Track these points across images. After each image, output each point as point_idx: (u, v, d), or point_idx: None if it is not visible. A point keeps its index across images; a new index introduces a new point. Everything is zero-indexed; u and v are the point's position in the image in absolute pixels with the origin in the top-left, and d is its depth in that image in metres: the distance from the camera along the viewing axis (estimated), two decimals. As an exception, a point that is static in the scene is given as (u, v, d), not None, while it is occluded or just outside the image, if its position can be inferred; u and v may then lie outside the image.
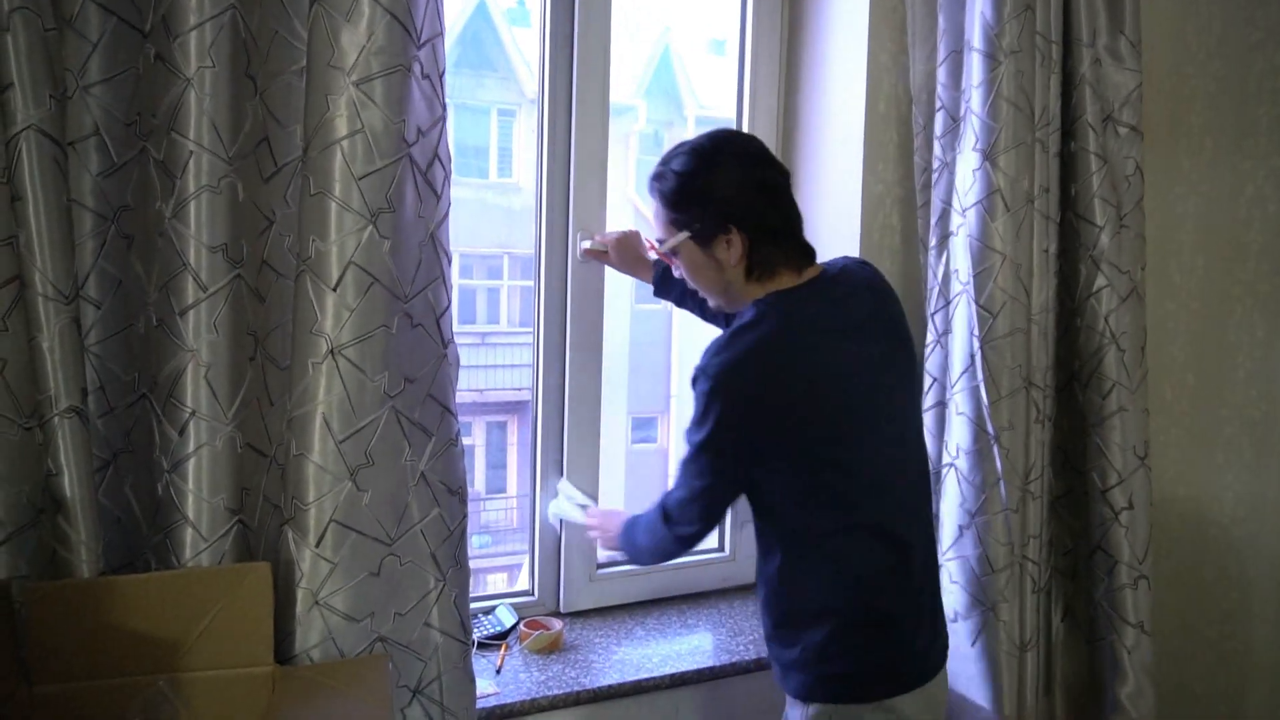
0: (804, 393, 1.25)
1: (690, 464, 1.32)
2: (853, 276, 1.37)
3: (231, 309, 1.16)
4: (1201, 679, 2.05)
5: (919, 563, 1.36)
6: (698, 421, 1.28)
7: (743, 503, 1.37)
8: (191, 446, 1.14)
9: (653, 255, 1.63)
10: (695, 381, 1.28)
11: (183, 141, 1.11)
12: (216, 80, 1.12)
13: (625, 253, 1.74)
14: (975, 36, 1.63)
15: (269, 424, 1.22)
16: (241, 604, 1.14)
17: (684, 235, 1.31)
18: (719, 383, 1.25)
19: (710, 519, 1.37)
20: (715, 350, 1.28)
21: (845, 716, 1.31)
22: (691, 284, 1.40)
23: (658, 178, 1.33)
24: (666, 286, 1.72)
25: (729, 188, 1.29)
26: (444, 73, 1.28)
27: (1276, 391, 1.94)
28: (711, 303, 1.42)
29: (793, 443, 1.27)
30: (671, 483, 1.38)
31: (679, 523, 1.37)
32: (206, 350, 1.14)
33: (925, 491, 1.43)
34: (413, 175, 1.24)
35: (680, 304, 1.73)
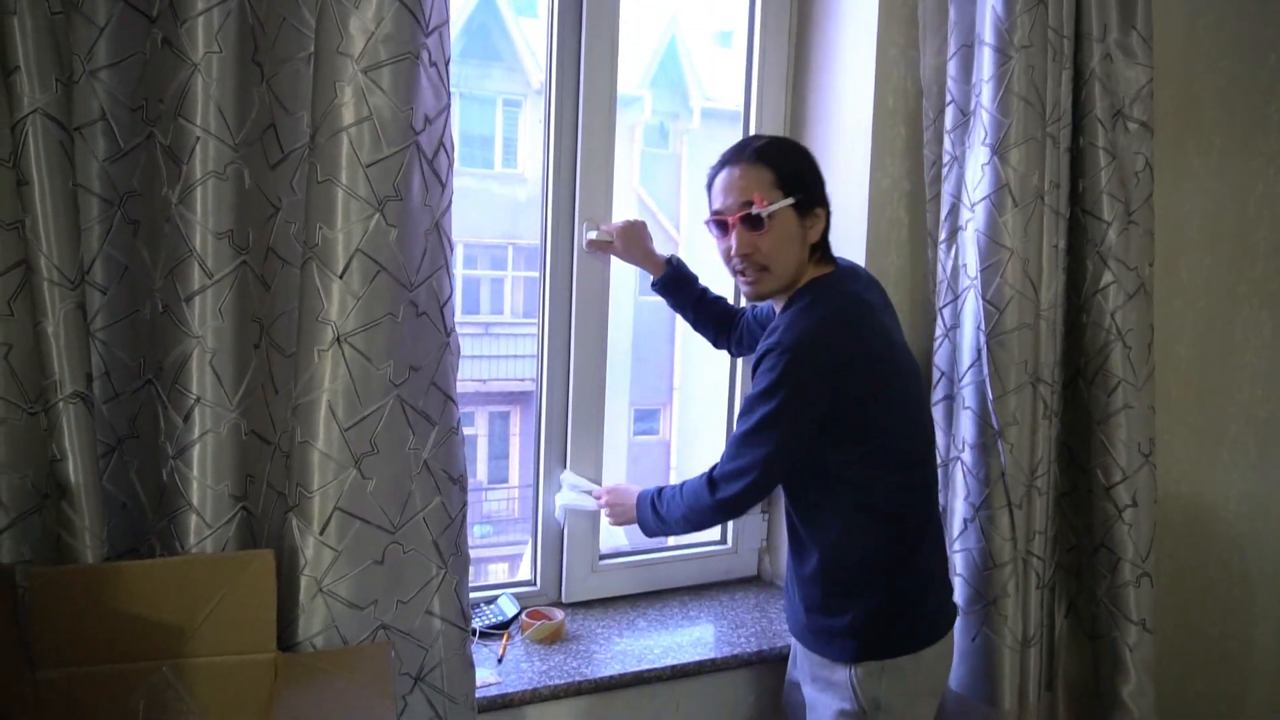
0: (873, 359, 1.36)
1: (752, 434, 1.36)
2: (859, 270, 1.51)
3: (237, 296, 1.16)
4: (1203, 677, 2.05)
5: (938, 516, 1.52)
6: (768, 392, 1.33)
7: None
8: (196, 433, 1.14)
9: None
10: (765, 356, 1.35)
11: (189, 127, 1.10)
12: (224, 66, 1.11)
13: (630, 242, 1.75)
14: (986, 30, 1.62)
15: (273, 411, 1.22)
16: (245, 591, 1.14)
17: (789, 200, 1.37)
18: (798, 354, 1.32)
19: (760, 490, 1.40)
20: (787, 327, 1.35)
21: (892, 670, 1.39)
22: (769, 259, 1.38)
23: (770, 144, 1.42)
24: (673, 287, 1.77)
25: (814, 166, 1.44)
26: (449, 60, 1.28)
27: (1282, 391, 1.94)
28: (766, 284, 1.41)
29: (864, 408, 1.34)
30: (721, 455, 1.43)
31: (727, 489, 1.41)
32: (212, 337, 1.14)
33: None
34: (419, 163, 1.24)
35: (679, 306, 1.78)
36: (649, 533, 1.58)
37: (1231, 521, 2.02)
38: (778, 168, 1.38)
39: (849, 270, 1.47)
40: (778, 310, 1.46)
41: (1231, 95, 1.97)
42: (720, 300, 1.81)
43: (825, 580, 1.42)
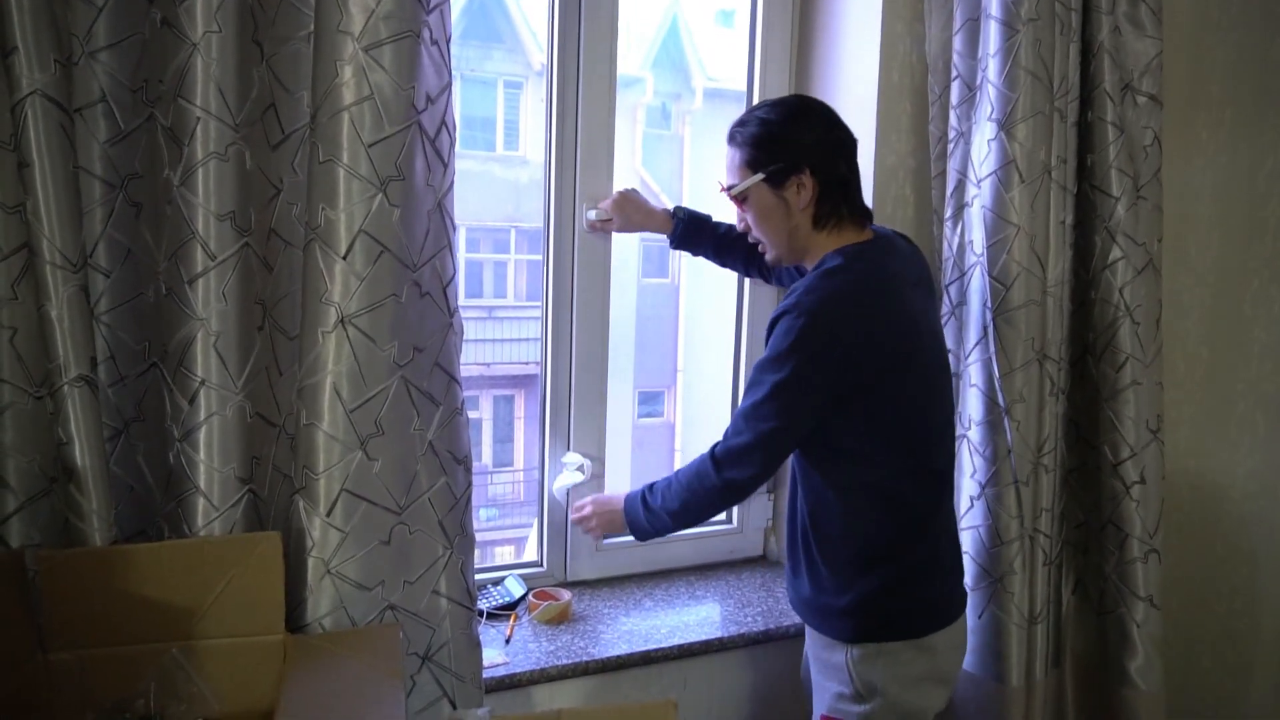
0: (893, 336, 1.31)
1: (760, 406, 1.31)
2: (900, 241, 1.46)
3: (240, 278, 1.15)
4: (1210, 653, 2.06)
5: (951, 503, 1.48)
6: (778, 359, 1.28)
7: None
8: (202, 415, 1.15)
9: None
10: (780, 319, 1.30)
11: (190, 108, 1.10)
12: (223, 45, 1.11)
13: (628, 210, 1.73)
14: (993, 4, 1.60)
15: (278, 393, 1.21)
16: (253, 573, 1.14)
17: (758, 177, 1.36)
18: (813, 319, 1.27)
19: (770, 465, 1.36)
20: (806, 290, 1.30)
21: (889, 654, 1.37)
22: (756, 233, 1.42)
23: (741, 124, 1.39)
24: (689, 238, 1.73)
25: (808, 135, 1.36)
26: (450, 39, 1.26)
27: (1292, 367, 1.93)
28: (771, 254, 1.44)
29: (878, 386, 1.30)
30: (724, 432, 1.38)
31: (734, 468, 1.35)
32: (216, 319, 1.14)
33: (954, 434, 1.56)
34: (422, 143, 1.23)
35: (701, 253, 1.73)
36: (642, 535, 1.48)
37: (1239, 498, 2.01)
38: (744, 147, 1.38)
39: (886, 239, 1.42)
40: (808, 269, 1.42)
41: (1242, 69, 1.94)
42: (738, 243, 1.71)
43: (829, 559, 1.40)
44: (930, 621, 1.40)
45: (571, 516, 1.66)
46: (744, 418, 1.34)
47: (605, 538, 1.71)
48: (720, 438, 1.39)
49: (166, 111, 1.11)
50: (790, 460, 1.45)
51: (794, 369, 1.27)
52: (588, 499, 1.62)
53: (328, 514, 1.22)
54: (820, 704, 1.45)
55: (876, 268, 1.35)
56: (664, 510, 1.43)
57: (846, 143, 1.39)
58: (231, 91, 1.12)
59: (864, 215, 1.41)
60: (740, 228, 1.45)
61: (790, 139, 1.35)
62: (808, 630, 1.51)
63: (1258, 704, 2.00)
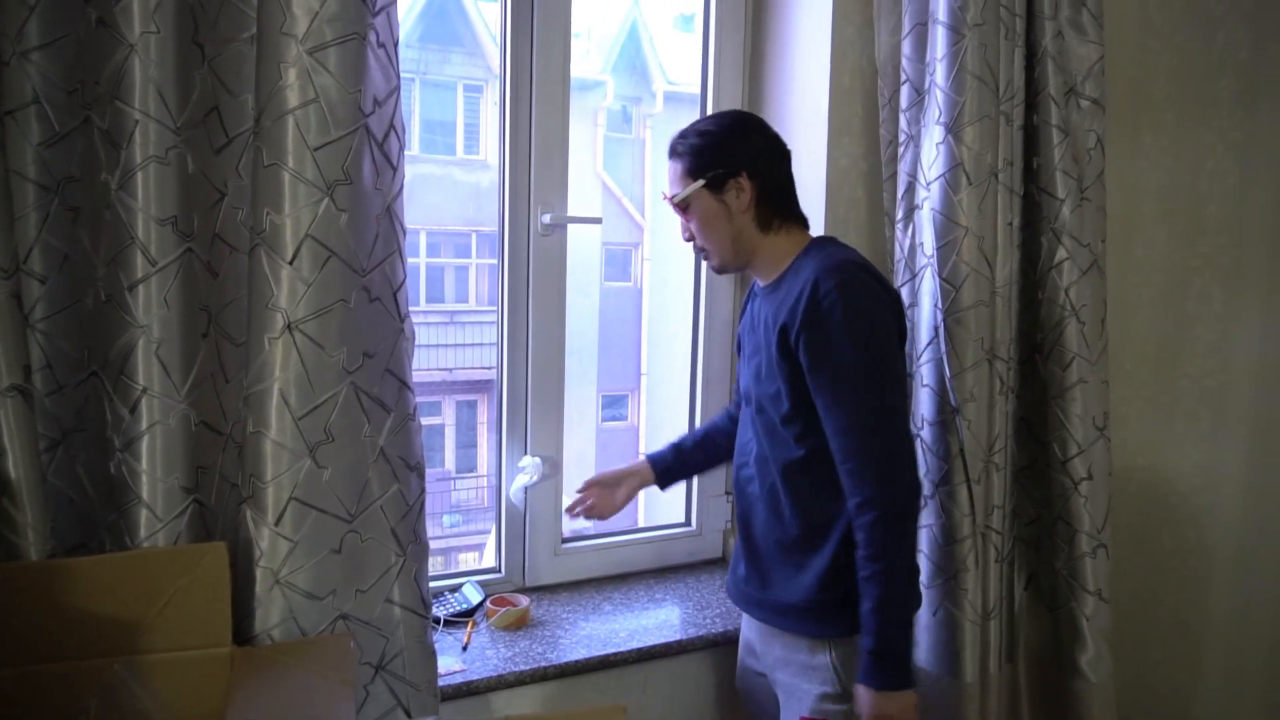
0: (897, 314, 1.39)
1: (863, 396, 1.30)
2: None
3: (183, 284, 1.13)
4: (1161, 645, 2.10)
5: None
6: (859, 340, 1.29)
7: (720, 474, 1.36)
8: (144, 424, 1.12)
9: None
10: (824, 302, 1.29)
11: (128, 110, 1.08)
12: (162, 46, 1.09)
13: (603, 491, 1.66)
14: (939, 9, 1.63)
15: (224, 401, 1.19)
16: (199, 584, 1.12)
17: (699, 183, 1.39)
18: (859, 290, 1.31)
19: (912, 443, 1.39)
20: (828, 271, 1.31)
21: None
22: (701, 240, 1.44)
23: (681, 137, 1.43)
24: (675, 472, 1.70)
25: (743, 142, 1.41)
26: (398, 42, 1.25)
27: (1233, 363, 1.97)
28: (716, 261, 1.45)
29: (901, 357, 1.40)
30: (849, 456, 1.31)
31: (903, 477, 1.32)
32: (157, 326, 1.12)
33: None
34: (370, 146, 1.22)
35: (707, 459, 1.70)
36: (906, 640, 1.35)
37: (1186, 492, 2.06)
38: (684, 157, 1.41)
39: (831, 239, 1.48)
40: (762, 282, 1.44)
41: (1183, 72, 1.99)
42: (709, 431, 1.71)
43: (812, 559, 1.39)
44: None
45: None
46: (867, 432, 1.30)
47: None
48: (857, 476, 1.31)
49: (104, 114, 1.09)
50: (770, 469, 1.43)
51: (876, 341, 1.31)
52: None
53: (276, 523, 1.20)
54: (797, 709, 1.42)
55: (854, 252, 1.41)
56: (899, 601, 1.32)
57: (781, 150, 1.45)
58: (171, 93, 1.11)
59: (804, 222, 1.46)
60: (685, 238, 1.47)
61: (727, 146, 1.40)
62: (765, 637, 1.49)
63: (1207, 694, 2.04)
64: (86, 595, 1.08)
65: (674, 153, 1.44)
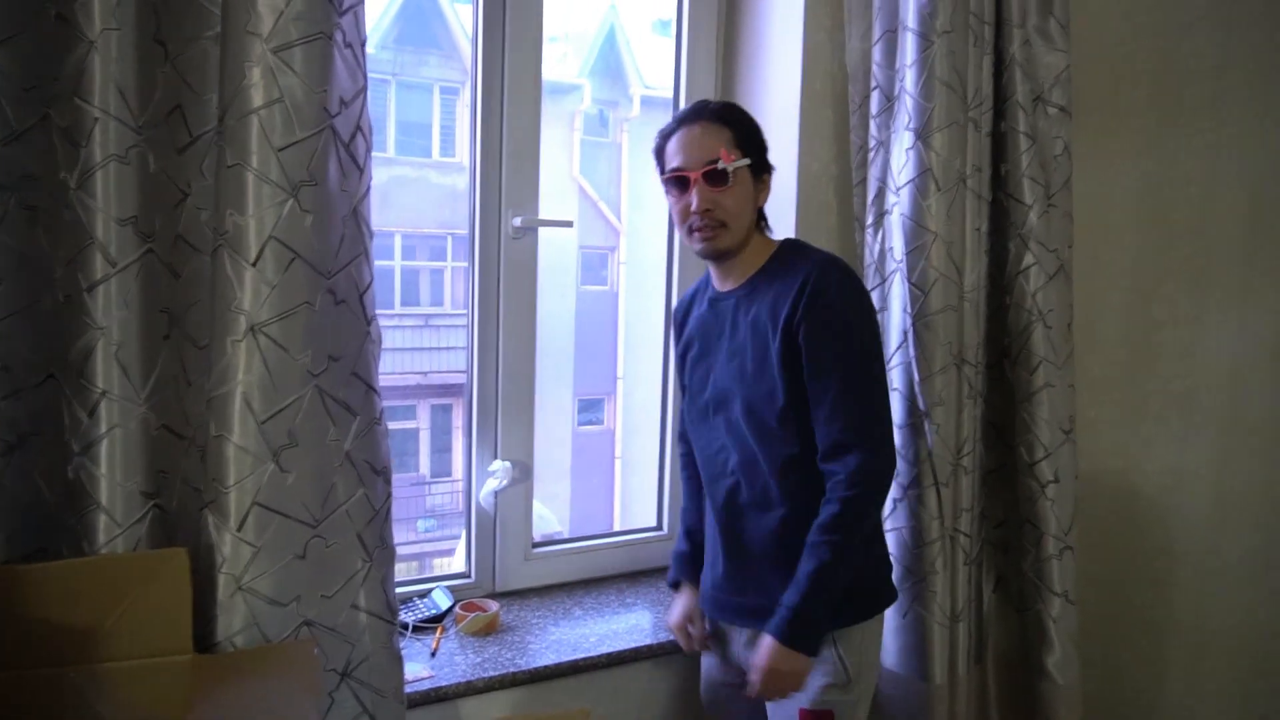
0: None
1: (863, 378, 1.36)
2: None
3: (143, 285, 1.12)
4: (1128, 646, 2.12)
5: None
6: (860, 319, 1.38)
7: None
8: (103, 428, 1.10)
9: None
10: (829, 287, 1.35)
11: (87, 108, 1.06)
12: (123, 43, 1.07)
13: (689, 623, 1.57)
14: (909, 16, 1.64)
15: (187, 405, 1.18)
16: (158, 591, 1.10)
17: (747, 161, 1.40)
18: (857, 281, 1.41)
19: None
20: (828, 263, 1.39)
21: (870, 630, 1.44)
22: (722, 213, 1.38)
23: (719, 107, 1.43)
24: (696, 561, 1.60)
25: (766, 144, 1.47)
26: (365, 42, 1.24)
27: (1200, 367, 2.01)
28: (726, 239, 1.40)
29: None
30: (845, 430, 1.33)
31: (885, 448, 1.38)
32: (117, 328, 1.10)
33: None
34: (335, 147, 1.20)
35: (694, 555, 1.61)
36: (823, 607, 1.34)
37: (1153, 495, 2.08)
38: (736, 128, 1.41)
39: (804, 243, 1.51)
40: (728, 284, 1.45)
41: (1148, 81, 2.02)
42: (698, 512, 1.61)
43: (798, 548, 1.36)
44: (892, 592, 1.51)
45: (760, 691, 1.39)
46: (859, 407, 1.34)
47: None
48: (838, 441, 1.33)
49: (63, 111, 1.07)
50: (761, 472, 1.40)
51: (872, 330, 1.39)
52: (755, 668, 1.37)
53: (239, 528, 1.18)
54: (791, 704, 1.39)
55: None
56: (845, 558, 1.33)
57: None
58: (133, 91, 1.09)
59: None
60: (697, 208, 1.37)
61: (761, 135, 1.45)
62: (754, 641, 1.43)
63: (1173, 694, 2.07)
64: (42, 602, 1.06)
65: (719, 118, 1.41)
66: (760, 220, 1.47)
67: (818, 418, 1.35)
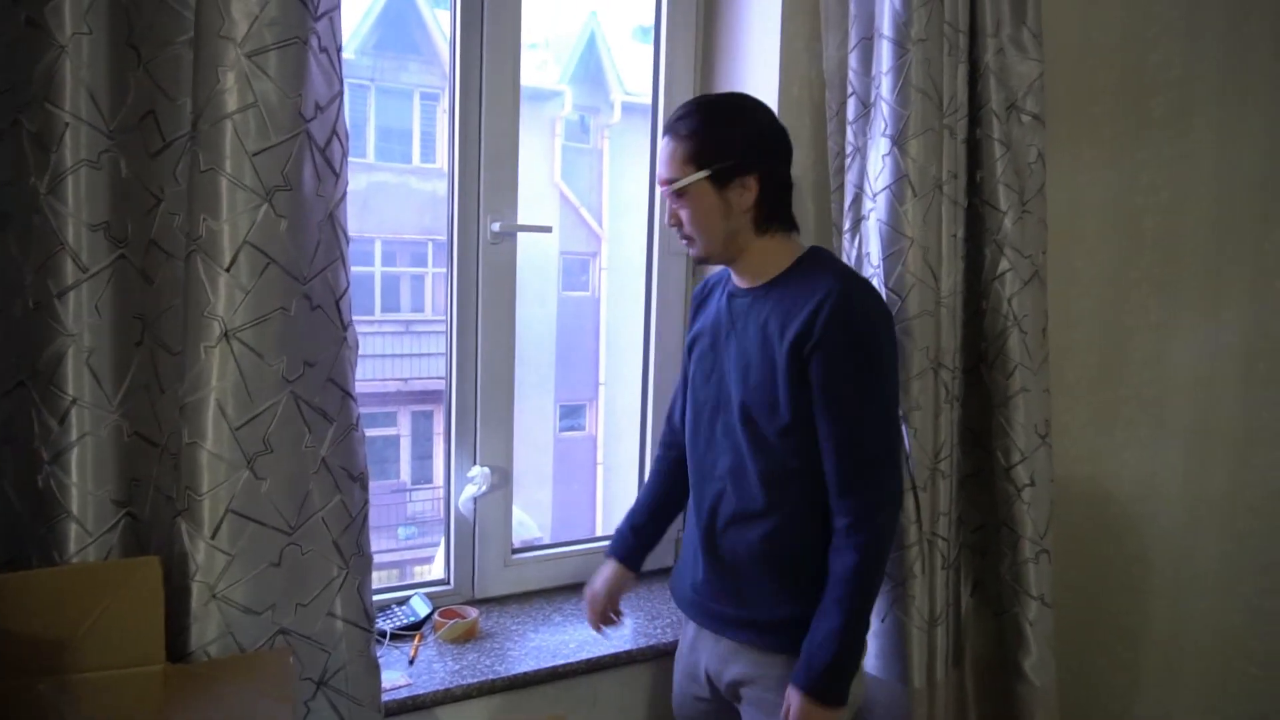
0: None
1: (879, 416, 1.33)
2: None
3: (115, 291, 1.11)
4: (1104, 649, 2.14)
5: None
6: (883, 370, 1.32)
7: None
8: (74, 436, 1.09)
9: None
10: (855, 323, 1.28)
11: (58, 113, 1.05)
12: (95, 48, 1.07)
13: (599, 598, 1.60)
14: (885, 23, 1.66)
15: (160, 412, 1.17)
16: (130, 600, 1.09)
17: (702, 174, 1.30)
18: (886, 317, 1.36)
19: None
20: (857, 292, 1.31)
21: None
22: (689, 229, 1.35)
23: (684, 116, 1.34)
24: (642, 543, 1.63)
25: (755, 137, 1.33)
26: (341, 48, 1.24)
27: (1170, 373, 2.03)
28: (699, 250, 1.38)
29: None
30: (852, 470, 1.31)
31: (893, 482, 1.35)
32: (88, 334, 1.09)
33: None
34: (311, 152, 1.20)
35: (663, 517, 1.64)
36: (855, 659, 1.33)
37: (1126, 501, 2.11)
38: (692, 139, 1.31)
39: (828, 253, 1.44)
40: (745, 283, 1.39)
41: (1119, 90, 2.05)
42: (655, 493, 1.64)
43: (792, 569, 1.36)
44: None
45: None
46: (871, 443, 1.31)
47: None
48: (848, 485, 1.31)
49: (33, 116, 1.06)
50: (750, 483, 1.38)
51: (888, 369, 1.34)
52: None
53: (212, 536, 1.17)
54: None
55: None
56: (859, 608, 1.31)
57: (788, 147, 1.38)
58: (104, 96, 1.08)
59: (795, 227, 1.41)
60: (669, 223, 1.38)
61: (735, 139, 1.31)
62: (731, 655, 1.43)
63: (1148, 697, 2.09)
64: (12, 613, 1.05)
65: (674, 133, 1.33)
66: (768, 222, 1.36)
67: (827, 449, 1.31)
